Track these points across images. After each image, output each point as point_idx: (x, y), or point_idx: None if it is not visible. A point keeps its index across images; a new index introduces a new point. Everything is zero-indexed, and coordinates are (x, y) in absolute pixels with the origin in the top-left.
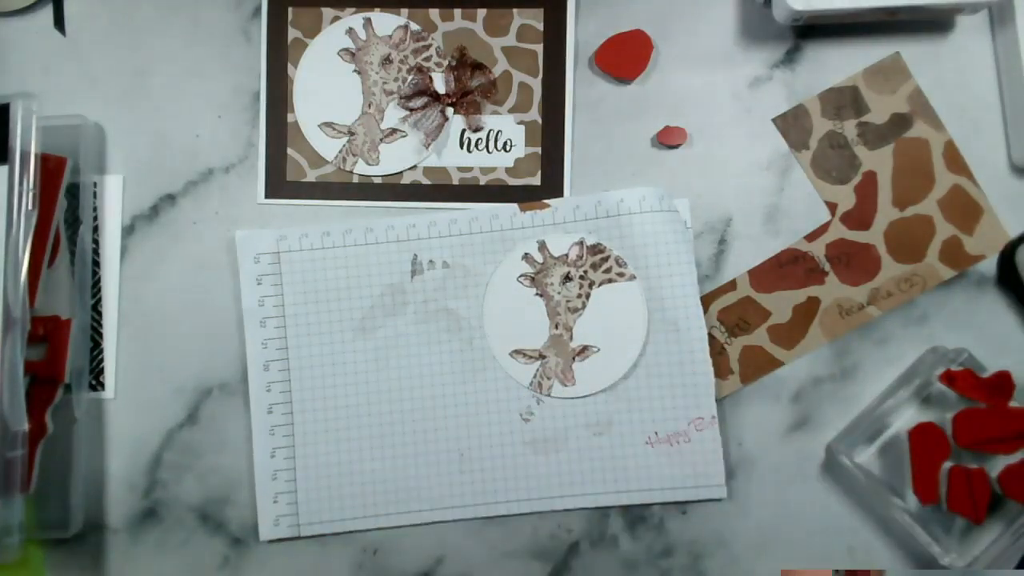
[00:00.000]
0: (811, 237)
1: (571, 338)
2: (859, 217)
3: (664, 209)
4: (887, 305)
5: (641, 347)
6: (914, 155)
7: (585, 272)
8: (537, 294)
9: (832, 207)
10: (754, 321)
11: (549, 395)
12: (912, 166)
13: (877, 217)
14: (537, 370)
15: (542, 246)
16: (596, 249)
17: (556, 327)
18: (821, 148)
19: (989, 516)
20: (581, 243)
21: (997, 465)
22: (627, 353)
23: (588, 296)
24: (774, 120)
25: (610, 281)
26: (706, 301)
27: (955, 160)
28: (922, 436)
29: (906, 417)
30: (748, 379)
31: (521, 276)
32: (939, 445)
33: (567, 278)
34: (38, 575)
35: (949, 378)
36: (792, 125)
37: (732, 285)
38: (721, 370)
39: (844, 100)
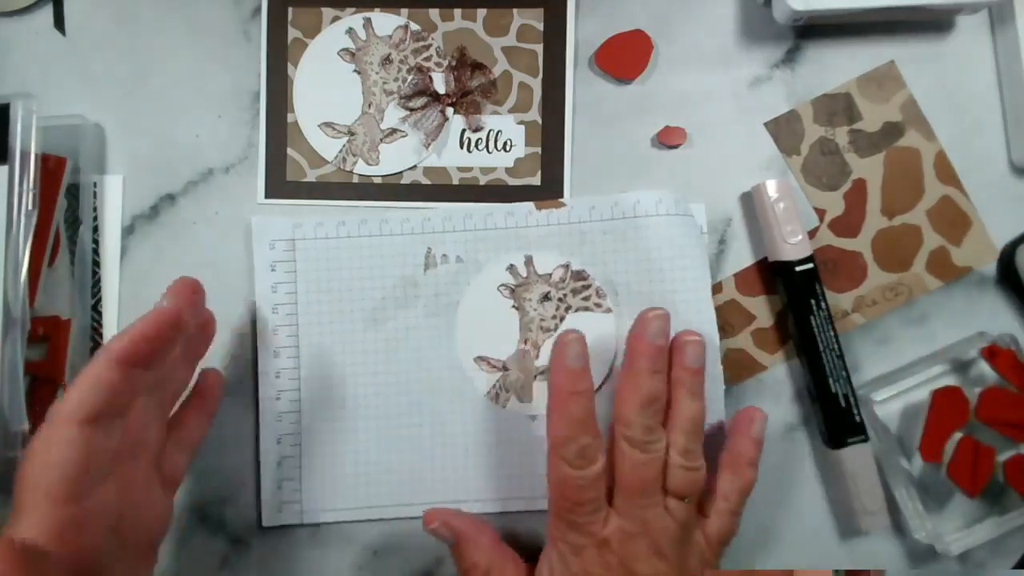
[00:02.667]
0: None
1: (537, 356)
2: (847, 224)
3: (680, 213)
4: (871, 313)
5: (602, 381)
6: (905, 164)
7: (564, 295)
8: (514, 306)
9: (820, 213)
10: (738, 324)
11: (504, 408)
12: (902, 175)
13: (865, 225)
14: (497, 381)
15: (528, 260)
16: (580, 276)
17: (525, 343)
18: (812, 154)
19: (983, 501)
20: (567, 266)
21: (1007, 453)
22: None
23: (562, 319)
24: (766, 124)
25: (587, 309)
26: None
27: (945, 170)
28: (945, 398)
29: (934, 384)
30: (733, 381)
31: (502, 286)
32: (959, 411)
33: (546, 297)
34: None
35: (991, 352)
36: (783, 130)
37: (718, 287)
38: None
39: (837, 107)
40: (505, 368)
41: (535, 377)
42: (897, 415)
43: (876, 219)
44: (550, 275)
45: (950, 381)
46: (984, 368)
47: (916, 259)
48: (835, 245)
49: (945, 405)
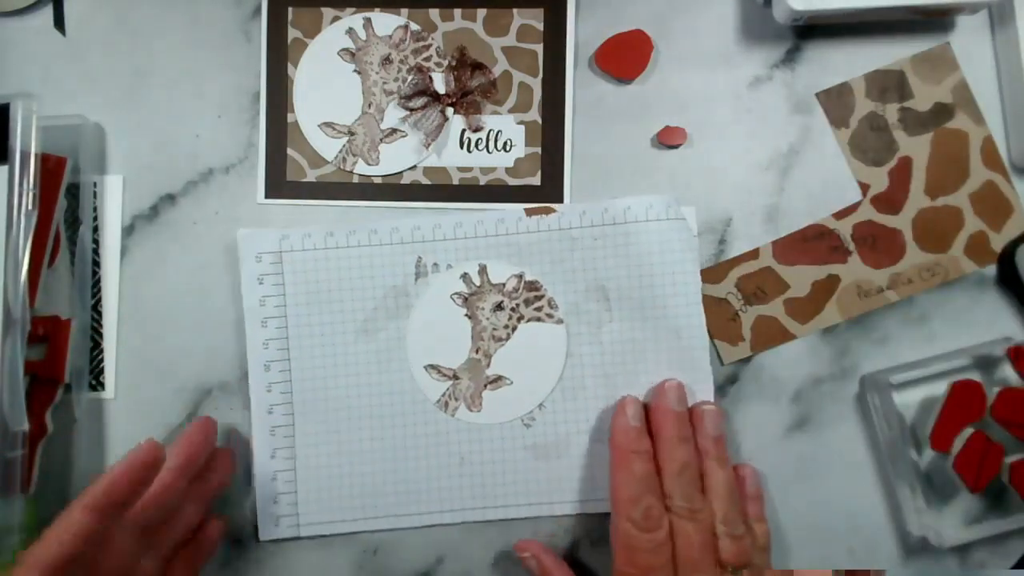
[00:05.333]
0: (839, 215)
1: (488, 365)
2: (889, 201)
3: (671, 217)
4: (906, 292)
5: (550, 391)
6: (952, 146)
7: (517, 305)
8: (466, 315)
9: (864, 187)
10: (772, 292)
11: (453, 416)
12: (948, 157)
13: (907, 203)
14: (447, 390)
15: (482, 270)
16: (533, 286)
17: (476, 351)
18: (861, 128)
19: (984, 500)
20: (520, 276)
21: (1015, 455)
22: (536, 393)
23: (514, 329)
24: (817, 95)
25: (538, 320)
26: (726, 267)
27: (992, 156)
28: (964, 390)
29: (956, 378)
30: (758, 348)
31: (455, 294)
32: (975, 405)
33: (499, 307)
34: None
35: (1016, 353)
36: (835, 102)
37: (755, 254)
38: (732, 336)
39: (889, 83)
40: (456, 377)
41: (485, 386)
42: (915, 406)
43: (919, 198)
44: (503, 284)
45: (973, 377)
46: (1009, 371)
47: (955, 241)
48: (876, 221)
49: (962, 398)
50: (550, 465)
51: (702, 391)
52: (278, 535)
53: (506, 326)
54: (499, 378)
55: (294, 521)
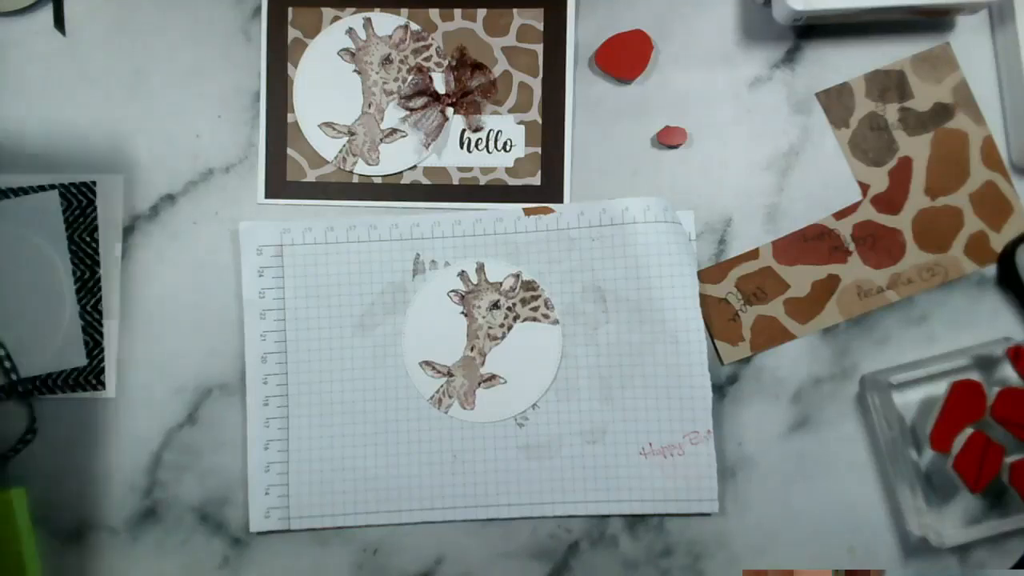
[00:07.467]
0: (839, 215)
1: (483, 363)
2: (889, 201)
3: (668, 220)
4: (906, 292)
5: (543, 391)
6: (952, 146)
7: (514, 304)
8: (462, 313)
9: (864, 188)
10: (772, 292)
11: (446, 414)
12: (949, 157)
13: (907, 203)
14: (441, 386)
15: (480, 268)
16: (530, 286)
17: (471, 349)
18: (861, 128)
19: (984, 500)
20: (518, 276)
21: (1016, 455)
22: (530, 393)
23: (510, 328)
24: (817, 95)
25: (534, 320)
26: (726, 267)
27: (992, 156)
28: (963, 391)
29: (956, 378)
30: (758, 348)
31: (452, 292)
32: (975, 405)
33: (495, 305)
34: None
35: (1016, 354)
36: (835, 102)
37: (755, 254)
38: (732, 336)
39: (889, 83)
40: (450, 374)
41: (478, 385)
42: (915, 406)
43: (919, 198)
44: (500, 283)
45: (973, 377)
46: (1009, 371)
47: (955, 241)
48: (876, 220)
49: (962, 398)
50: (542, 465)
51: (700, 395)
52: (268, 527)
53: (502, 325)
54: (493, 377)
55: (284, 514)
